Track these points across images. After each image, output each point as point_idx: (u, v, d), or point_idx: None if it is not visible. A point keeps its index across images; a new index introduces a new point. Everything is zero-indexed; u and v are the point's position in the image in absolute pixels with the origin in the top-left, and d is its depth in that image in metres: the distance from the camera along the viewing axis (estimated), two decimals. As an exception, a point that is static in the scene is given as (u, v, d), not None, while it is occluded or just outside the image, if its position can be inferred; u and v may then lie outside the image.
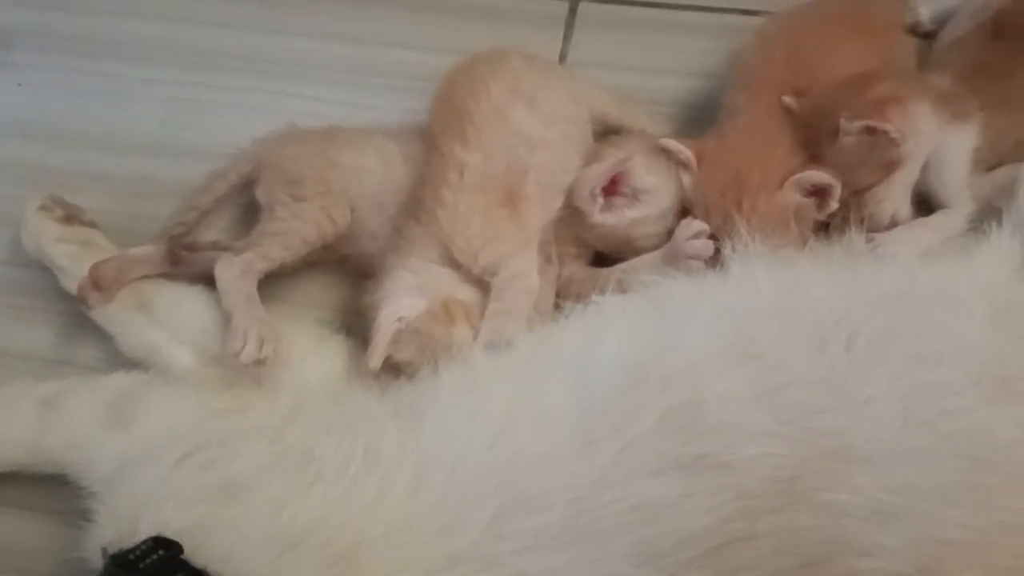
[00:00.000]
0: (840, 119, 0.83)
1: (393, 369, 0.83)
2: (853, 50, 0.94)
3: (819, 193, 0.85)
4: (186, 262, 0.94)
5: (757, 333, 0.74)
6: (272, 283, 0.91)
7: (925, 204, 0.89)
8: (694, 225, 0.85)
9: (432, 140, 0.90)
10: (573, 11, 1.13)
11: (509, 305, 0.83)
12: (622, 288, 0.83)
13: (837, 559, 0.67)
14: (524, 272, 0.85)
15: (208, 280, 0.89)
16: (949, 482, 0.67)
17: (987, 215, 0.84)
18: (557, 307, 0.87)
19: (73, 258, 0.93)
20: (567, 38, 1.11)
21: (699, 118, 1.00)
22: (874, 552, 0.66)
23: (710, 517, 0.66)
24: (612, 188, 0.88)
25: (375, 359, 0.83)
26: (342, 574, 0.67)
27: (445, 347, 0.81)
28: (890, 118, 0.82)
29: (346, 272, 0.96)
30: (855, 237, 0.81)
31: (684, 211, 0.89)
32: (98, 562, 0.71)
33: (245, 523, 0.69)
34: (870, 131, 0.83)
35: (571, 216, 0.90)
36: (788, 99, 0.90)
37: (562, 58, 1.09)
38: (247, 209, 0.98)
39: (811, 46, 0.94)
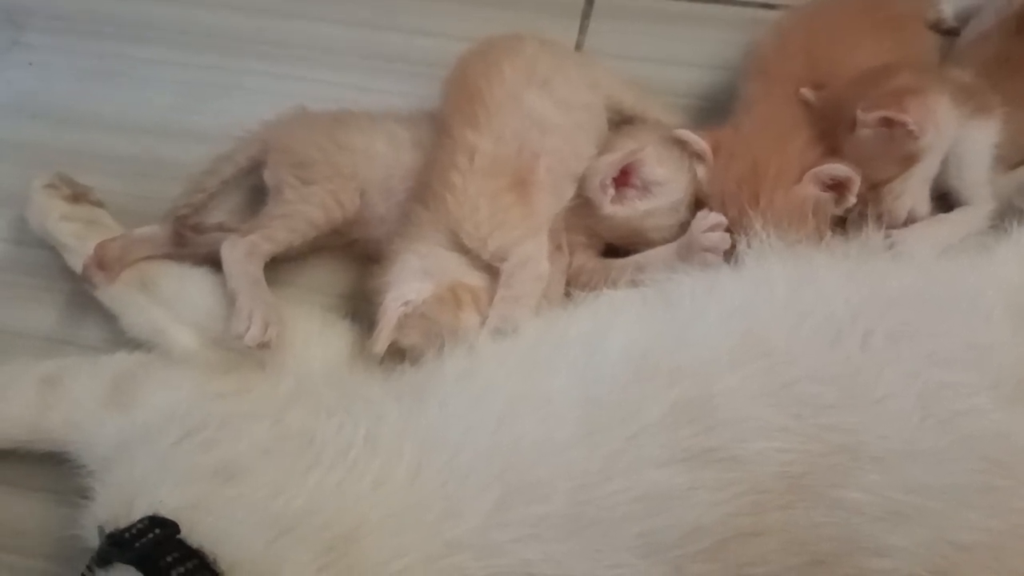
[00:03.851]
0: (857, 111, 0.81)
1: (397, 354, 0.82)
2: (873, 44, 0.93)
3: (837, 187, 0.84)
4: (192, 243, 0.93)
5: (770, 328, 0.72)
6: (279, 267, 0.90)
7: (946, 202, 0.87)
8: (711, 217, 0.84)
9: (443, 124, 0.89)
10: (590, 0, 1.11)
11: (518, 291, 0.82)
12: (634, 283, 0.81)
13: (848, 558, 0.65)
14: (534, 258, 0.84)
15: (213, 262, 0.89)
16: (964, 484, 0.66)
17: (1008, 214, 0.82)
18: (567, 296, 0.86)
19: (78, 237, 0.93)
20: (583, 28, 1.10)
21: (715, 110, 1.00)
22: (886, 552, 0.65)
23: (718, 511, 0.65)
24: (623, 179, 0.87)
25: (380, 344, 0.81)
26: (339, 559, 0.65)
27: (451, 332, 0.80)
28: (908, 110, 0.81)
29: (353, 257, 0.95)
30: (872, 233, 0.80)
31: (698, 204, 0.88)
32: (95, 541, 0.70)
33: (242, 505, 0.68)
34: (887, 123, 0.81)
35: (582, 206, 0.89)
36: (806, 91, 0.89)
37: (578, 47, 1.09)
38: (254, 192, 0.97)
39: (830, 38, 0.93)
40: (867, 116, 0.82)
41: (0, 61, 1.15)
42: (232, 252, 0.86)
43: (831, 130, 0.86)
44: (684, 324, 0.75)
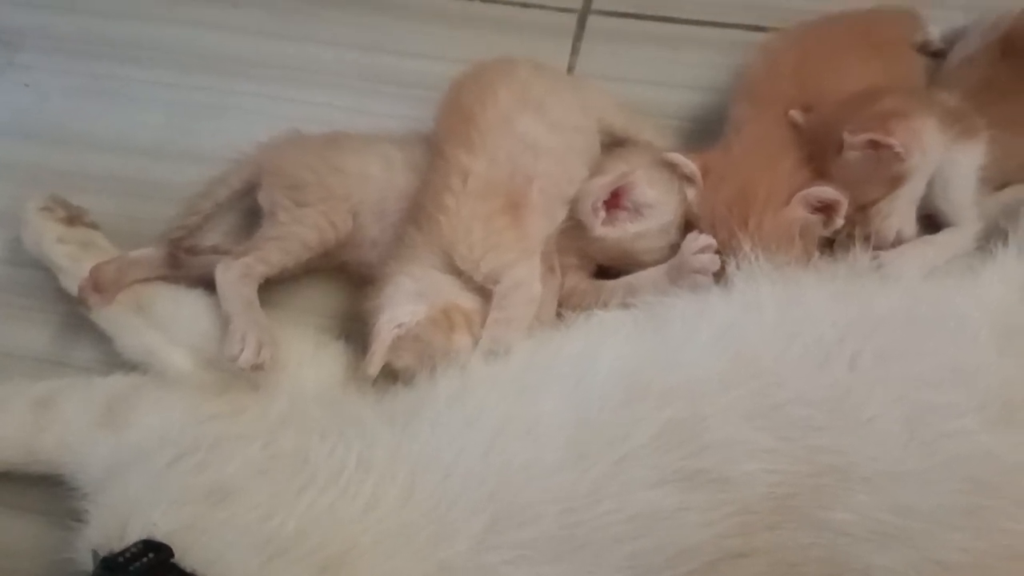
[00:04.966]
0: (844, 133, 0.83)
1: (390, 376, 0.83)
2: (861, 67, 0.94)
3: (825, 209, 0.85)
4: (186, 265, 0.93)
5: (759, 350, 0.73)
6: (272, 288, 0.91)
7: (933, 224, 0.88)
8: (701, 239, 0.85)
9: (437, 146, 0.90)
10: (582, 23, 1.13)
11: (510, 313, 0.83)
12: (625, 305, 0.82)
13: (835, 579, 0.66)
14: (526, 281, 0.84)
15: (208, 284, 0.89)
16: (950, 504, 0.66)
17: (994, 235, 0.83)
18: (559, 317, 0.86)
19: (73, 259, 0.93)
20: (575, 50, 1.11)
21: (706, 132, 1.00)
22: (873, 573, 0.65)
23: (707, 532, 0.66)
24: (614, 201, 0.87)
25: (373, 366, 0.82)
26: (331, 581, 0.66)
27: (444, 354, 0.80)
28: (894, 132, 0.82)
29: (346, 278, 0.95)
30: (860, 254, 0.81)
31: (687, 225, 0.89)
32: (89, 564, 0.70)
33: (235, 527, 0.68)
34: (874, 145, 0.83)
35: (574, 228, 0.89)
36: (794, 113, 0.90)
37: (570, 69, 1.10)
38: (249, 214, 0.97)
39: (819, 61, 0.94)
40: (854, 138, 0.83)
41: (-4, 82, 1.16)
42: (226, 274, 0.86)
43: (819, 152, 0.87)
44: (674, 346, 0.76)
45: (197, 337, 0.88)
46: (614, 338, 0.77)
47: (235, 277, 0.87)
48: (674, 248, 0.87)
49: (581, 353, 0.77)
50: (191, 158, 1.04)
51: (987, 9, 0.99)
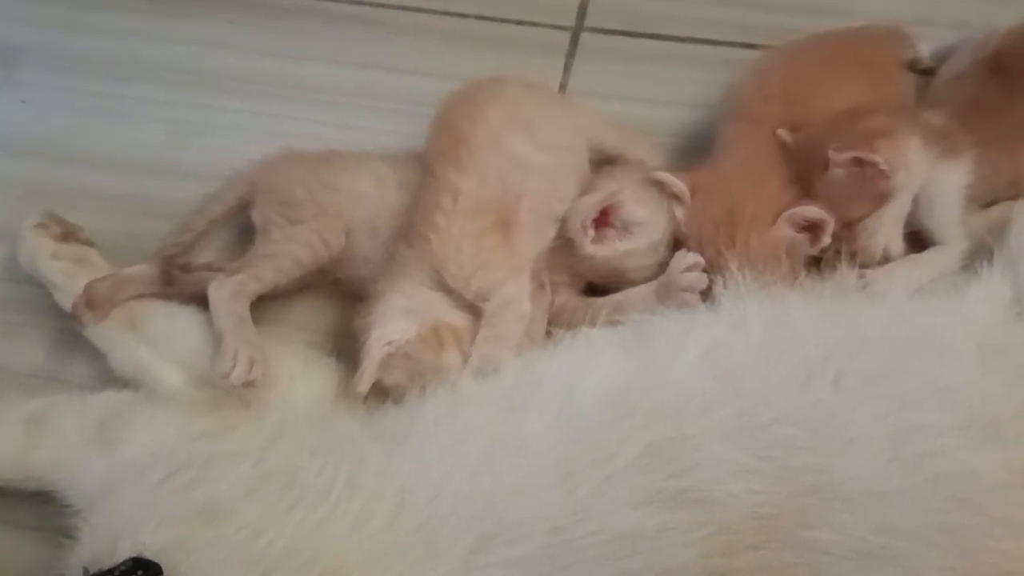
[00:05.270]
0: (829, 151, 0.83)
1: (381, 393, 0.83)
2: (850, 85, 0.94)
3: (812, 228, 0.85)
4: (180, 282, 0.94)
5: (744, 369, 0.74)
6: (264, 305, 0.91)
7: (920, 242, 0.89)
8: (689, 257, 0.85)
9: (427, 165, 0.90)
10: (574, 41, 1.14)
11: (500, 331, 0.83)
12: (614, 322, 0.83)
13: (818, 598, 0.66)
14: (516, 298, 0.85)
15: (201, 301, 0.89)
16: (932, 523, 0.67)
17: (980, 253, 0.84)
18: (548, 335, 0.87)
19: (67, 275, 0.93)
20: (568, 67, 1.12)
21: (698, 149, 1.00)
22: (856, 592, 0.66)
23: (690, 551, 0.66)
24: (603, 220, 0.88)
25: (363, 383, 0.82)
26: (320, 600, 0.66)
27: (434, 372, 0.81)
28: (879, 150, 0.83)
29: (338, 295, 0.96)
30: (846, 273, 0.81)
31: (676, 244, 0.89)
32: (80, 581, 0.71)
33: (224, 546, 0.68)
34: (859, 163, 0.83)
35: (564, 246, 0.90)
36: (782, 132, 0.90)
37: (562, 87, 1.11)
38: (242, 231, 0.98)
39: (808, 80, 0.95)
40: (839, 156, 0.84)
41: (-7, 98, 1.17)
42: (219, 292, 0.87)
43: (806, 171, 0.87)
44: (661, 364, 0.76)
45: (189, 354, 0.88)
46: (602, 356, 0.78)
47: (228, 294, 0.87)
48: (663, 266, 0.87)
49: (569, 371, 0.77)
50: (185, 175, 1.05)
51: (977, 27, 1.00)
